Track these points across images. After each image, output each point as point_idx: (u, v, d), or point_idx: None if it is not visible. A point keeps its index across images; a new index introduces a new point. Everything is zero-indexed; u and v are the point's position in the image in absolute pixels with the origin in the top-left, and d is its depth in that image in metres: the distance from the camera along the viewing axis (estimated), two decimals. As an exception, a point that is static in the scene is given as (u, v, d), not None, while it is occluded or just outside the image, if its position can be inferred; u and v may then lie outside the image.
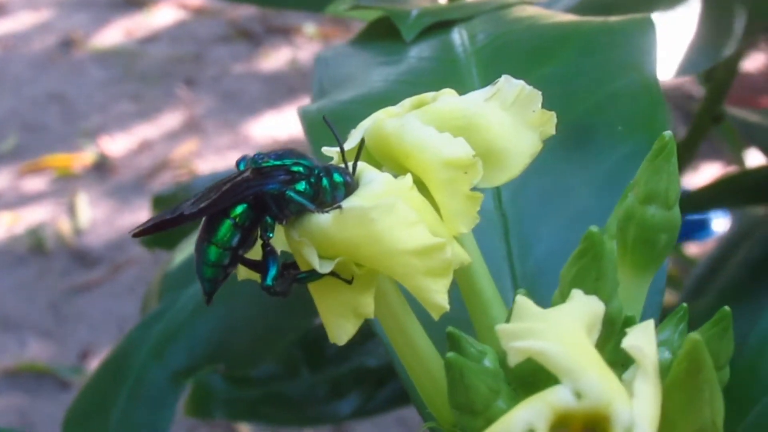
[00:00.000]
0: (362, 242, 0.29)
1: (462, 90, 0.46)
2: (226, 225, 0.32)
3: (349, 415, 0.74)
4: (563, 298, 0.29)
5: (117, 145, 2.08)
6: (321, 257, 0.30)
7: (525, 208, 0.43)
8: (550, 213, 0.43)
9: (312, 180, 0.32)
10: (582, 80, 0.48)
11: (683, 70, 0.62)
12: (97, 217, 1.90)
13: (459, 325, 0.32)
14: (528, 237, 0.43)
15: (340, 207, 0.30)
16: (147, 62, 2.34)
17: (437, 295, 0.29)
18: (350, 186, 0.31)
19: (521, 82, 0.34)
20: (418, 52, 0.51)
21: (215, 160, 1.99)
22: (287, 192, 0.31)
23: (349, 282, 0.31)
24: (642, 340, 0.26)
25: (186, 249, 0.69)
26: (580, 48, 0.49)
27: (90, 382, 0.64)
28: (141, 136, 2.10)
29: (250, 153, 0.33)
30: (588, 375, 0.24)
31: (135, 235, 0.32)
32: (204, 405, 0.73)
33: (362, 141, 0.32)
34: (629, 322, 0.31)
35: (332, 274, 0.30)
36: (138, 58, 2.35)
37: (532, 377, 0.30)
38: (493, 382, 0.30)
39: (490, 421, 0.29)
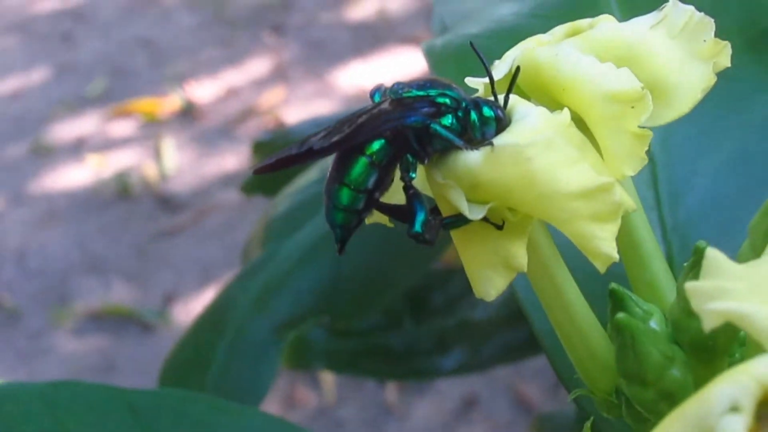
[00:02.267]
0: (517, 184, 0.26)
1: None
2: (361, 163, 0.28)
3: (452, 369, 0.71)
4: (755, 251, 0.26)
5: (204, 90, 2.07)
6: (469, 201, 0.27)
7: (676, 153, 0.39)
8: (703, 158, 0.39)
9: (459, 114, 0.28)
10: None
11: None
12: (183, 163, 1.90)
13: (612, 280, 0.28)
14: (679, 184, 0.38)
15: (491, 144, 0.26)
16: (235, 8, 2.32)
17: (604, 243, 0.25)
18: (502, 121, 0.27)
19: (691, 8, 0.29)
20: (549, -16, 0.47)
21: (301, 108, 1.97)
22: (432, 126, 0.27)
23: (500, 228, 0.27)
24: None
25: (291, 195, 0.66)
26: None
27: (188, 334, 0.61)
28: (228, 82, 2.09)
29: (375, 84, 0.30)
30: (803, 344, 0.20)
31: (257, 172, 0.29)
32: (303, 356, 0.70)
33: (517, 70, 0.28)
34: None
35: (482, 219, 0.27)
36: (226, 3, 2.34)
37: (712, 341, 0.26)
38: (667, 348, 0.26)
39: (662, 393, 0.26)
